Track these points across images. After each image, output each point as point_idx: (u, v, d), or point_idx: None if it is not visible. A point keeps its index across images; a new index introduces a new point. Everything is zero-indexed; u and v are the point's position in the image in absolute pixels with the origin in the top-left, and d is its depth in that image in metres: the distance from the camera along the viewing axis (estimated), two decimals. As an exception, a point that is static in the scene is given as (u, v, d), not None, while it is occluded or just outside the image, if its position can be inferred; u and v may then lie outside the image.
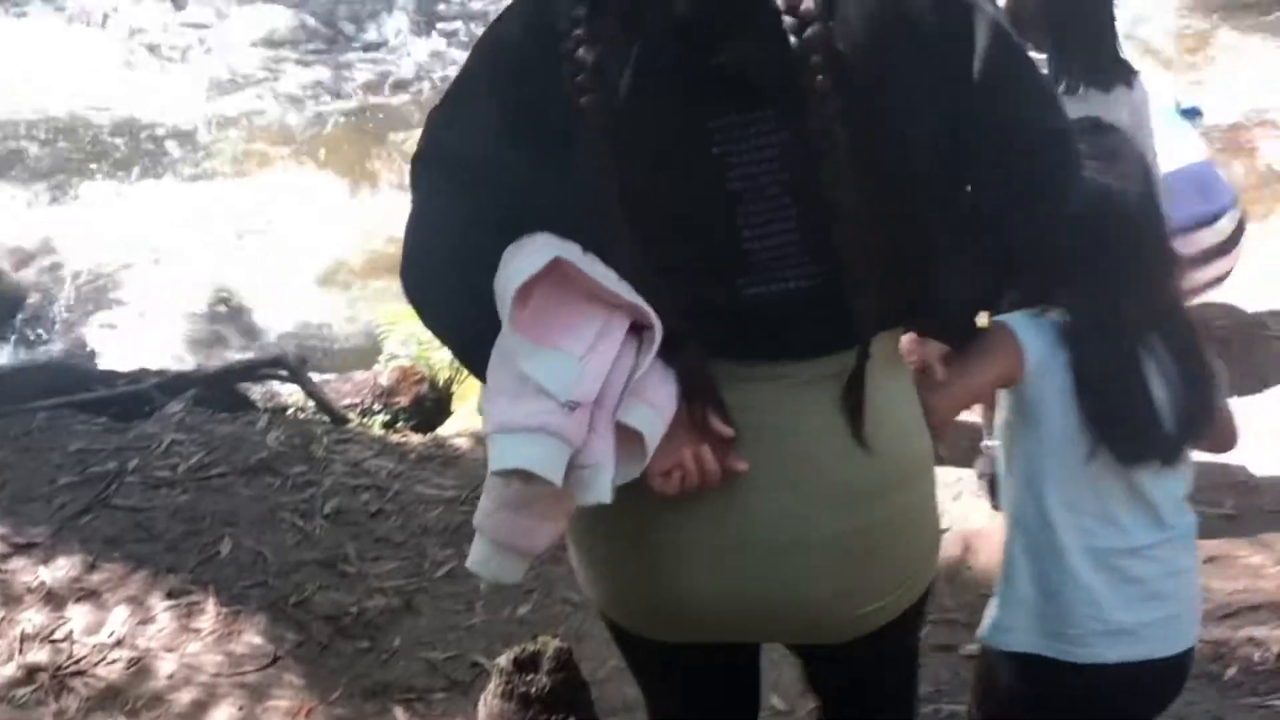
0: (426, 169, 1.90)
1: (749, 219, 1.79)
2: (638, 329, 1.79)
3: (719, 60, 1.74)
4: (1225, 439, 2.34)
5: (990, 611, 2.32)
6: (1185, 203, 4.72)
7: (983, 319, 2.25)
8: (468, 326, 1.85)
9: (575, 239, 1.77)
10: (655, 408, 1.79)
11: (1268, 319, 5.39)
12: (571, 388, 1.72)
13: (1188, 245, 4.72)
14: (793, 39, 1.72)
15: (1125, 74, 3.74)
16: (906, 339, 2.05)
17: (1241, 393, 4.95)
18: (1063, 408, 2.14)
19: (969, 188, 1.91)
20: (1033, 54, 1.99)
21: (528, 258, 1.73)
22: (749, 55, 1.75)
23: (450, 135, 1.88)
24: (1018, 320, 2.16)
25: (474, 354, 1.83)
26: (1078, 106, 3.30)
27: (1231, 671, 3.37)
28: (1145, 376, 2.15)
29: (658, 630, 2.04)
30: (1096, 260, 2.12)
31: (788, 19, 1.73)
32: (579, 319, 1.76)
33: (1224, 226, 4.90)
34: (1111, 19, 3.79)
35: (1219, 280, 5.12)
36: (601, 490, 1.75)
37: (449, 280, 1.85)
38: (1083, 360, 2.13)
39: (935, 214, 1.84)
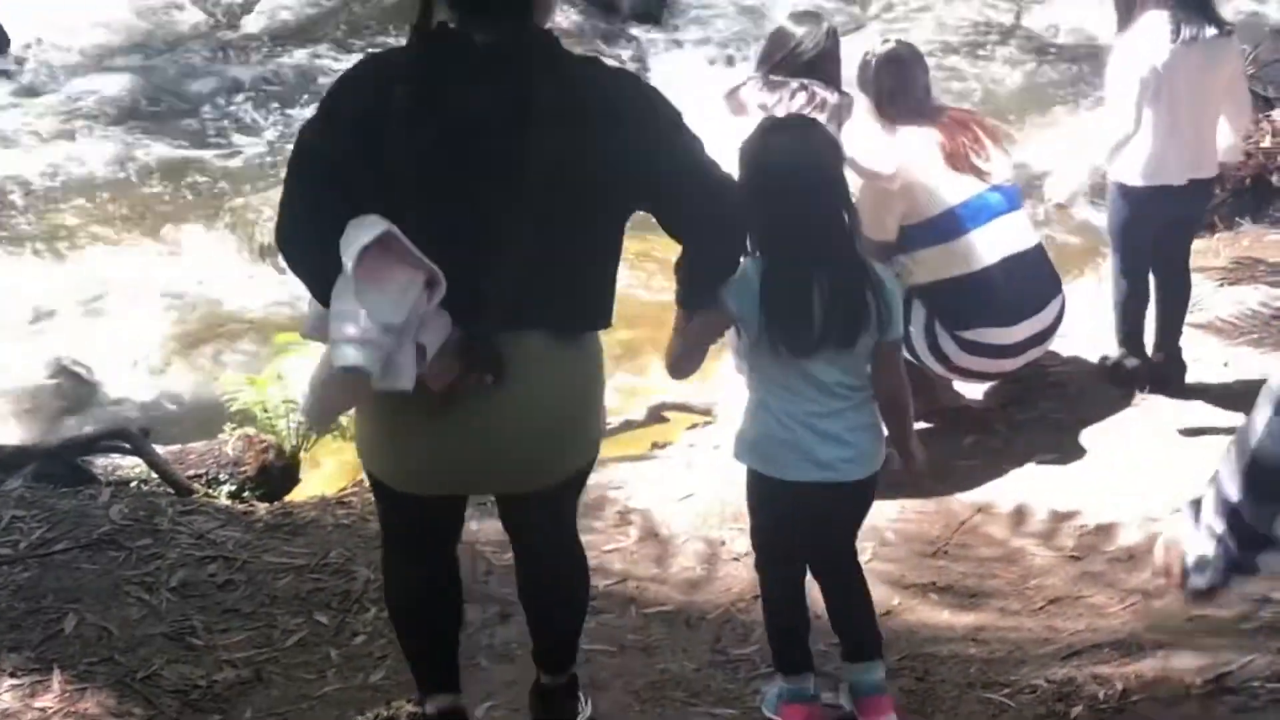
0: (295, 161, 2.88)
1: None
2: (429, 284, 2.67)
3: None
4: (888, 380, 3.36)
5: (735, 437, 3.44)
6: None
7: None
8: (319, 271, 2.74)
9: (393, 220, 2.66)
10: (436, 335, 2.71)
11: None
12: (391, 317, 2.60)
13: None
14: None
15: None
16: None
17: (1084, 435, 5.16)
18: (759, 324, 3.21)
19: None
20: None
21: (368, 229, 2.63)
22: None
23: (310, 139, 2.83)
24: (732, 283, 3.19)
25: (321, 289, 2.73)
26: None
27: (1077, 710, 3.45)
28: (810, 300, 3.17)
29: (401, 483, 3.00)
30: (776, 228, 3.21)
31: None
32: (397, 273, 2.64)
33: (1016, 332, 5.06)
34: None
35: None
36: (406, 381, 2.67)
37: (307, 237, 2.83)
38: (768, 289, 3.18)
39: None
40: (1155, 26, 5.00)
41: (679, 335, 3.37)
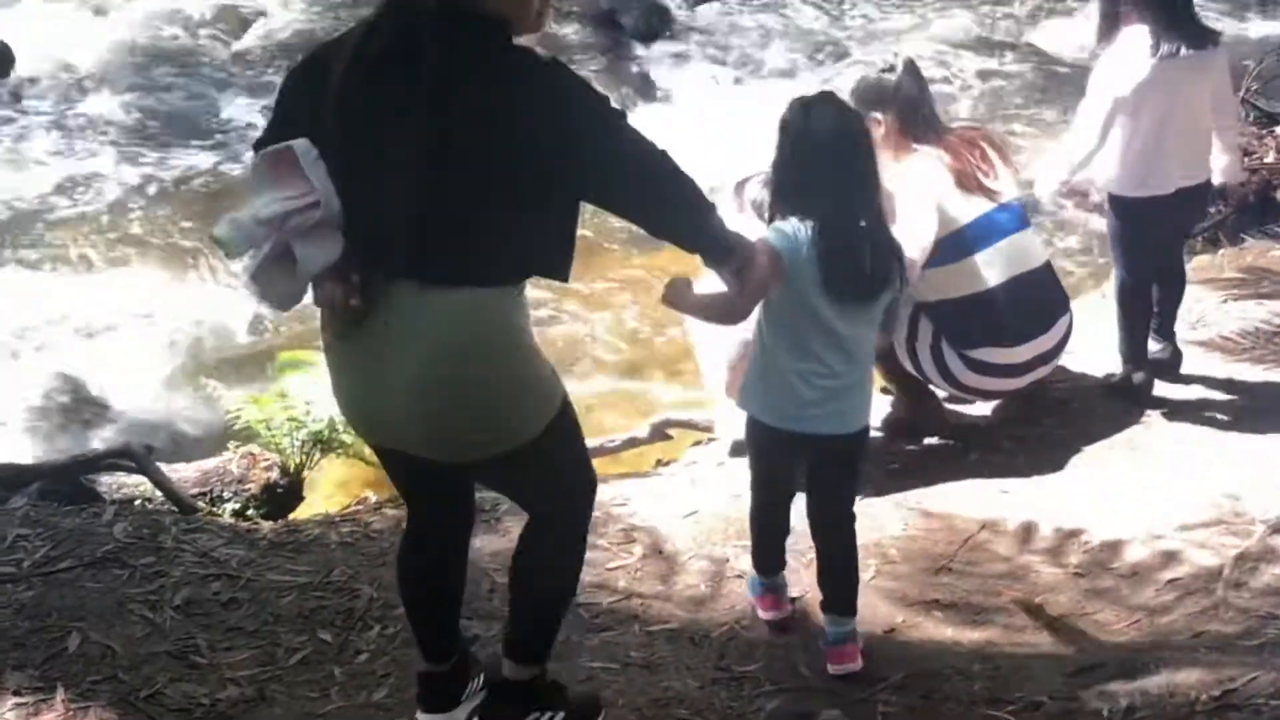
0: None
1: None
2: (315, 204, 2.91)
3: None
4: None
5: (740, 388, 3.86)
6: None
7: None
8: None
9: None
10: (320, 251, 2.93)
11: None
12: (263, 211, 2.90)
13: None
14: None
15: None
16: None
17: (1089, 452, 5.16)
18: (812, 277, 3.53)
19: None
20: None
21: (287, 140, 2.93)
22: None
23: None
24: (772, 234, 3.56)
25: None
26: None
27: (1082, 728, 3.47)
28: (864, 251, 3.56)
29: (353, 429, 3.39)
30: (826, 189, 3.56)
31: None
32: (291, 182, 2.90)
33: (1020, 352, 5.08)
34: None
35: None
36: (249, 274, 2.96)
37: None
38: (827, 243, 3.53)
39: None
40: (1135, 42, 5.03)
41: (732, 279, 3.27)
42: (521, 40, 3.04)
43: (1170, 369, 5.54)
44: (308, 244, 2.93)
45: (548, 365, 3.19)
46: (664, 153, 2.97)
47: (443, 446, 3.07)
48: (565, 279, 3.10)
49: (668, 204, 3.02)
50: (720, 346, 5.05)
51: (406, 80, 2.86)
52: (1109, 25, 5.15)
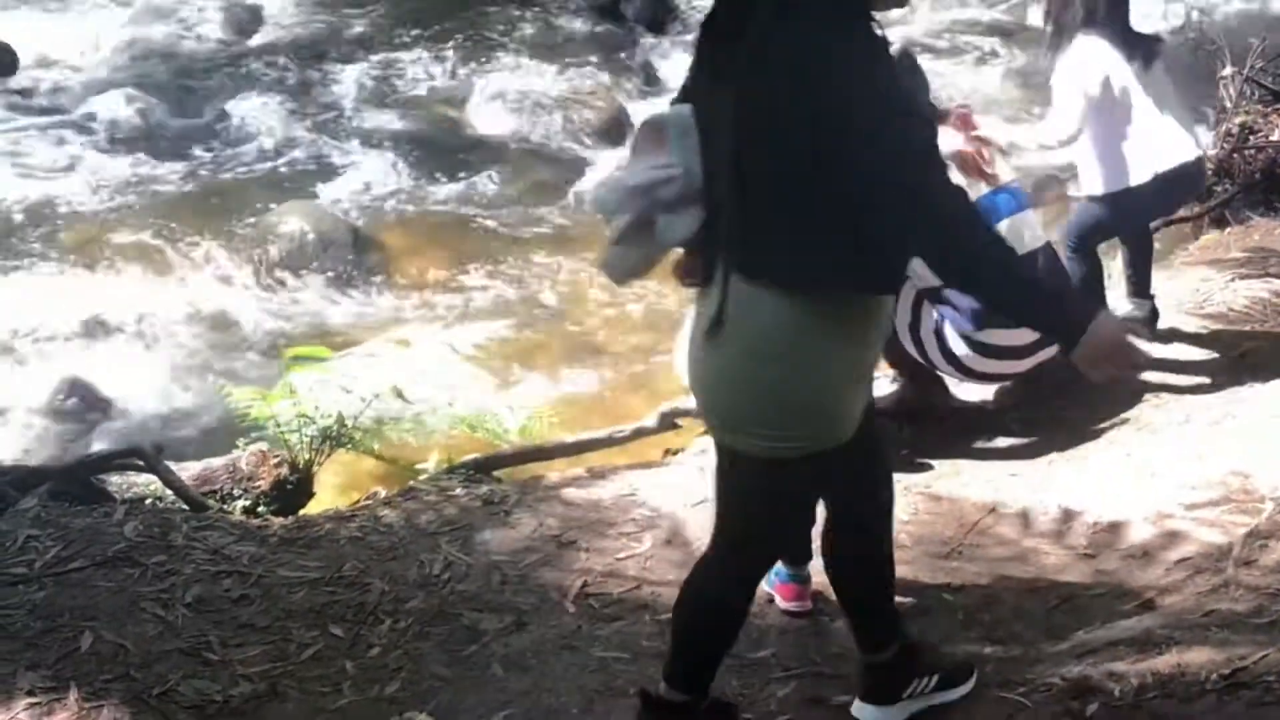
0: None
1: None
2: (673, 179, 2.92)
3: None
4: None
5: None
6: None
7: None
8: None
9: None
10: (677, 223, 2.93)
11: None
12: (630, 180, 2.97)
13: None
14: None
15: None
16: None
17: (1094, 433, 5.17)
18: None
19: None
20: None
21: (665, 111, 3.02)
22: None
23: None
24: None
25: None
26: None
27: (1093, 708, 3.41)
28: None
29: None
30: None
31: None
32: (657, 153, 2.96)
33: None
34: None
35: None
36: (616, 228, 3.00)
37: None
38: None
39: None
40: (1094, 48, 5.34)
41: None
42: (881, 15, 2.78)
43: (1149, 325, 5.70)
44: (670, 214, 2.94)
45: (846, 404, 2.97)
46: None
47: (718, 424, 3.04)
48: (883, 291, 2.93)
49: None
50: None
51: (733, 55, 2.77)
52: (1060, 36, 5.43)
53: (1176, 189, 5.62)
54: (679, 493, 4.91)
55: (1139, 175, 5.42)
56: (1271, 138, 7.77)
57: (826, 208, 2.70)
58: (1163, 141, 5.43)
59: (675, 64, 11.14)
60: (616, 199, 3.00)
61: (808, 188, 2.70)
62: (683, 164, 2.91)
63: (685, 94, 3.03)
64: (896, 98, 2.68)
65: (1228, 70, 8.28)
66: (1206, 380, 5.41)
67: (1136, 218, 5.71)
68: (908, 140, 2.66)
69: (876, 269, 2.83)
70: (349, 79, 10.81)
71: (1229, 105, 8.12)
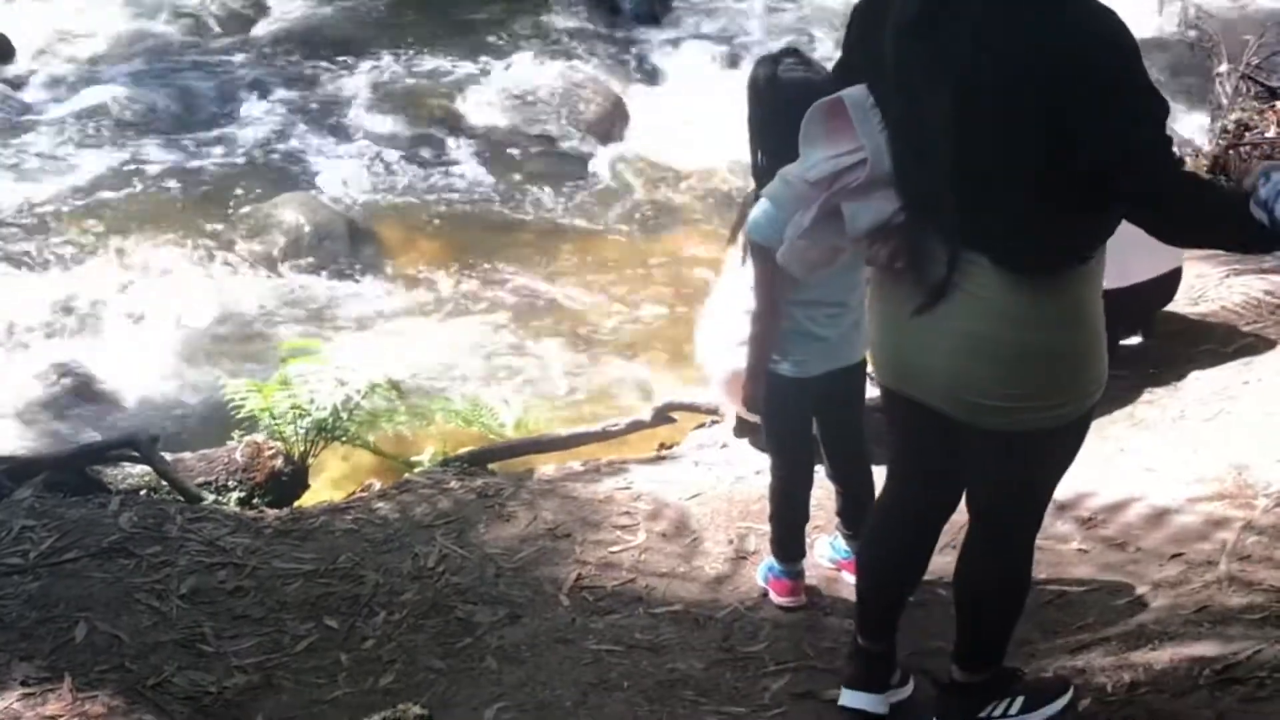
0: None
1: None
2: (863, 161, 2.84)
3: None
4: None
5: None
6: None
7: None
8: None
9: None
10: (869, 211, 2.87)
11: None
12: (812, 174, 2.90)
13: None
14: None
15: None
16: None
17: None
18: None
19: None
20: None
21: (841, 91, 2.88)
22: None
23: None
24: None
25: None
26: None
27: (1086, 702, 3.45)
28: None
29: (877, 372, 3.21)
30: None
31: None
32: (842, 137, 2.86)
33: None
34: None
35: None
36: (797, 228, 2.98)
37: None
38: None
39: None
40: None
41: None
42: None
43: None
44: (857, 201, 2.87)
45: (1097, 369, 2.99)
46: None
47: (948, 397, 2.97)
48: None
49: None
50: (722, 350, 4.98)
51: (935, 30, 2.70)
52: None
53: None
54: (674, 486, 4.91)
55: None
56: (1267, 134, 7.76)
57: (1058, 179, 2.70)
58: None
59: (671, 57, 11.15)
60: (795, 195, 2.96)
61: (1040, 159, 2.69)
62: (870, 146, 2.83)
63: (845, 71, 2.97)
64: (1141, 68, 2.68)
65: (1224, 67, 8.29)
66: (1201, 375, 5.40)
67: None
68: (1152, 109, 2.68)
69: (1096, 232, 2.86)
70: (346, 72, 10.79)
71: (1225, 102, 8.13)
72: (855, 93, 2.84)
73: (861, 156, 2.83)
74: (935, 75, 2.70)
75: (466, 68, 10.88)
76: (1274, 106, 8.05)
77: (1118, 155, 2.64)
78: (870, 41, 2.83)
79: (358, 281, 8.10)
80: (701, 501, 4.77)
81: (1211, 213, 2.72)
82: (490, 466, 5.52)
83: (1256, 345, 5.60)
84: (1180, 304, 5.64)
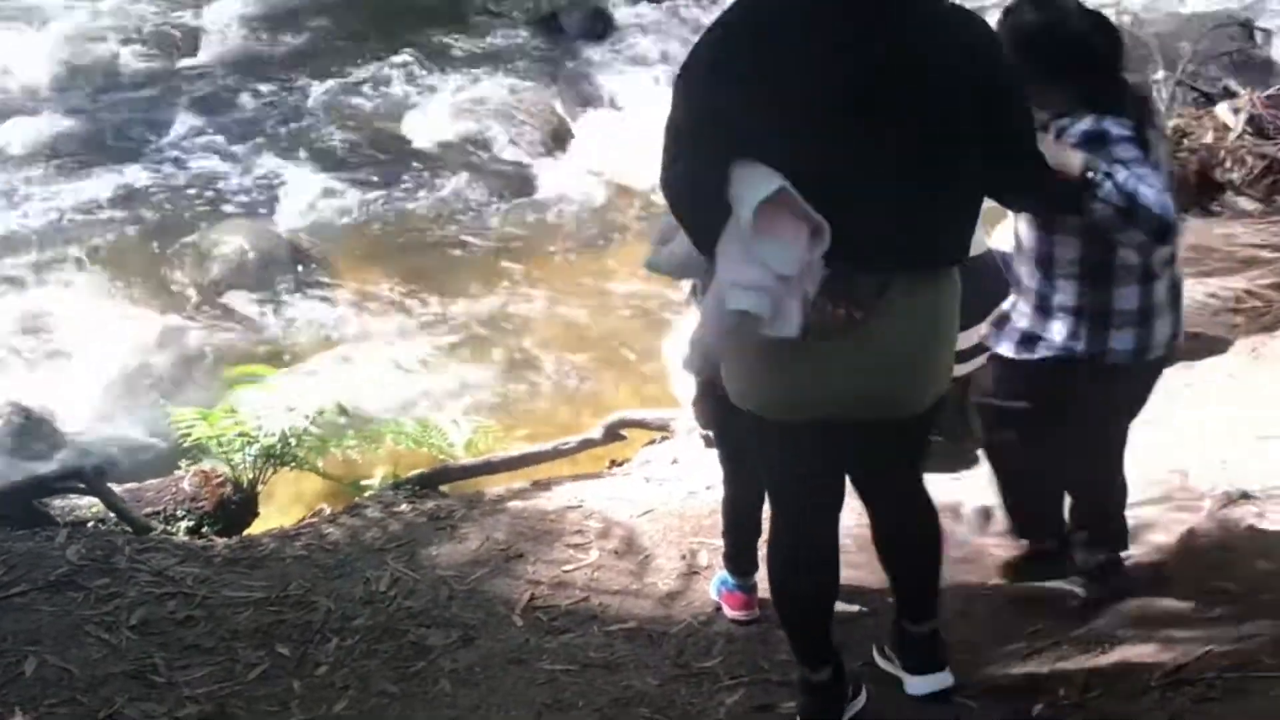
0: (685, 114, 2.88)
1: None
2: (814, 234, 2.79)
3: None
4: None
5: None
6: None
7: None
8: (708, 223, 2.86)
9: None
10: (815, 280, 2.84)
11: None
12: (785, 268, 2.77)
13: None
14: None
15: None
16: None
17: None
18: None
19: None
20: None
21: (764, 183, 2.75)
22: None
23: (700, 92, 2.87)
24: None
25: (708, 239, 2.88)
26: None
27: (1039, 708, 3.47)
28: None
29: (775, 411, 3.10)
30: None
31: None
32: (789, 226, 2.77)
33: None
34: None
35: None
36: (793, 328, 2.83)
37: (704, 191, 2.85)
38: None
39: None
40: None
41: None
42: None
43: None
44: (809, 279, 2.85)
45: None
46: None
47: (886, 407, 3.12)
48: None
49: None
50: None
51: (864, 61, 2.80)
52: None
53: None
54: (625, 503, 4.92)
55: None
56: (1204, 140, 7.85)
57: (975, 180, 3.00)
58: None
59: (613, 75, 11.17)
60: (773, 299, 2.80)
61: (969, 163, 2.92)
62: (818, 220, 2.79)
63: (714, 115, 2.83)
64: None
65: (1160, 74, 8.38)
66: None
67: None
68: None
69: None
70: (289, 97, 10.76)
71: (1162, 109, 8.21)
72: (773, 175, 2.77)
73: (818, 237, 2.80)
74: (892, 100, 2.81)
75: (410, 89, 10.87)
76: (1210, 113, 8.15)
77: (1028, 144, 3.02)
78: (770, 77, 2.79)
79: (304, 305, 8.07)
80: (653, 518, 4.78)
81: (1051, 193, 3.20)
82: (441, 488, 5.51)
83: (1196, 349, 5.65)
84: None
